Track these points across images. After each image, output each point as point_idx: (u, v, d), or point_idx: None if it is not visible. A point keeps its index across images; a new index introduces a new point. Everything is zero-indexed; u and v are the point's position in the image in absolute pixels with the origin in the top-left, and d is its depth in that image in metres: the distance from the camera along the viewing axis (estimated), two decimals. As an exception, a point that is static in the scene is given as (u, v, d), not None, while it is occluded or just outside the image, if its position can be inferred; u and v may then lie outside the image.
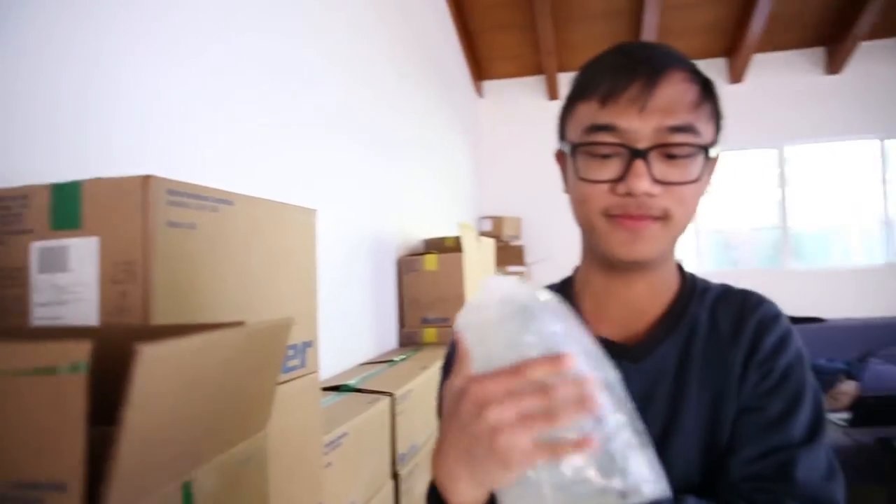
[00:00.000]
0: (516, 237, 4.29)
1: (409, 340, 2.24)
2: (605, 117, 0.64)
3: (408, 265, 2.27)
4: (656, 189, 0.63)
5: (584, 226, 0.69)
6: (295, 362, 0.92)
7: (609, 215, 0.66)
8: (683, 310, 0.72)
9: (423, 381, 1.63)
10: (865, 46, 4.12)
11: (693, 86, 0.65)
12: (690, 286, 0.74)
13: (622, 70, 0.64)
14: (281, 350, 0.68)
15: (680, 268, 0.77)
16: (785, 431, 0.65)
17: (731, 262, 4.66)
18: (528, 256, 4.16)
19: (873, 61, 4.16)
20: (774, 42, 4.22)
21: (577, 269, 0.79)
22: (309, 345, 0.98)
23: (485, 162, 4.49)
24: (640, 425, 0.52)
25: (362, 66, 2.01)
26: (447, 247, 2.55)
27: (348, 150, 1.87)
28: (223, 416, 0.56)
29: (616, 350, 0.70)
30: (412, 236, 2.54)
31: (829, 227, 4.42)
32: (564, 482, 0.45)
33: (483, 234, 3.44)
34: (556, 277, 0.81)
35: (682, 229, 0.67)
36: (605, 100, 0.64)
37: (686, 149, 0.63)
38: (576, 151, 0.66)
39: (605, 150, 0.64)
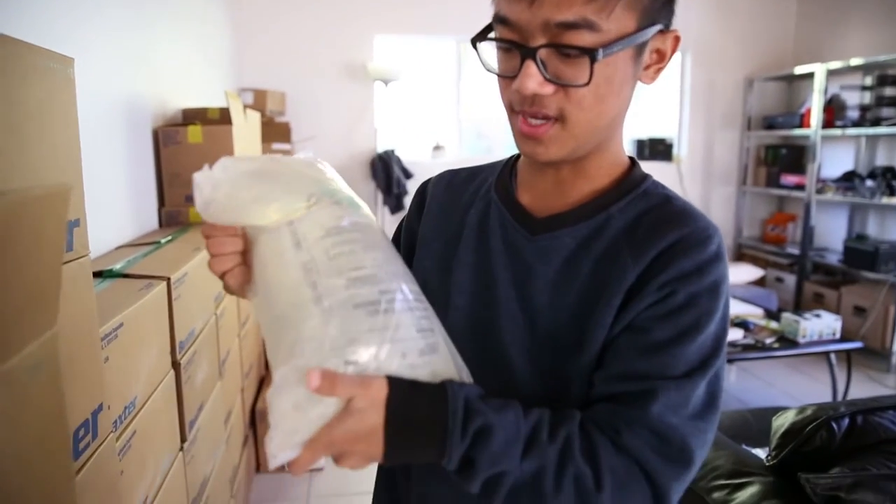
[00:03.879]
0: (281, 113, 4.04)
1: (172, 220, 2.02)
2: (501, 6, 0.60)
3: (167, 137, 2.00)
4: (547, 89, 0.60)
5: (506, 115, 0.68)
6: (61, 245, 0.76)
7: (513, 110, 0.64)
8: (602, 205, 0.69)
9: (197, 262, 1.49)
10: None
11: None
12: (627, 187, 0.70)
13: None
14: (61, 225, 0.55)
15: (632, 166, 0.73)
16: (661, 360, 0.62)
17: (485, 149, 4.99)
18: (295, 134, 3.96)
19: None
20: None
21: None
22: (76, 224, 0.82)
23: (245, 29, 4.05)
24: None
25: None
26: (210, 118, 2.30)
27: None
28: (0, 315, 0.43)
29: (521, 219, 0.72)
30: (169, 105, 2.23)
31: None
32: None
33: (245, 107, 3.16)
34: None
35: (587, 131, 0.63)
36: None
37: (575, 50, 0.57)
38: (482, 41, 0.63)
39: (504, 45, 0.61)
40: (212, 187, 0.63)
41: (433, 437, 0.56)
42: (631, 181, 0.71)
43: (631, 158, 0.74)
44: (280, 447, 0.54)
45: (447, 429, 0.56)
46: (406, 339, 0.58)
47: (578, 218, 0.69)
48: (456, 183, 0.83)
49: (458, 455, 0.57)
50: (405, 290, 0.61)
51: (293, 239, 0.60)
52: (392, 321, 0.58)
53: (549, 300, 0.68)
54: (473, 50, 0.65)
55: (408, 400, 0.56)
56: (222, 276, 0.67)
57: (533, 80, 0.59)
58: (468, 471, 0.58)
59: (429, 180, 0.86)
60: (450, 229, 0.78)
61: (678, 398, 0.61)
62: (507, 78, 0.63)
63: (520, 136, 0.65)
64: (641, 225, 0.67)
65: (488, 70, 0.66)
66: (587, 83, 0.58)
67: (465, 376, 0.63)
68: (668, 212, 0.67)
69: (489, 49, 0.65)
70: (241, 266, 0.66)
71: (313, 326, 0.57)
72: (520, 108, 0.63)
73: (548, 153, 0.64)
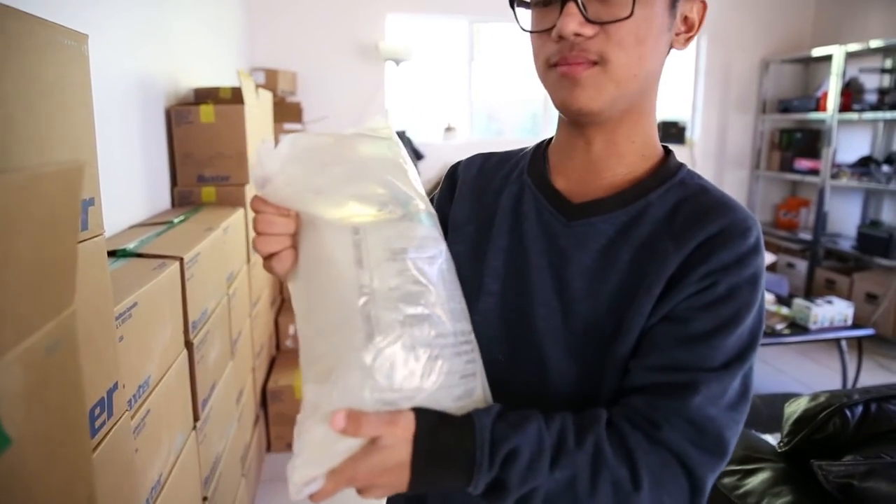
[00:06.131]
0: (292, 93, 4.02)
1: (184, 200, 2.02)
2: None
3: (180, 116, 1.99)
4: (588, 29, 0.60)
5: (540, 80, 0.67)
6: (76, 223, 0.75)
7: (551, 65, 0.64)
8: (641, 192, 0.68)
9: (210, 243, 1.49)
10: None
11: None
12: (664, 175, 0.70)
13: None
14: (75, 203, 0.55)
15: (667, 155, 0.73)
16: (702, 351, 0.61)
17: (496, 132, 4.96)
18: (307, 114, 3.95)
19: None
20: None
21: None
22: (90, 203, 0.82)
23: (257, 8, 4.02)
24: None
25: None
26: (222, 98, 2.29)
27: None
28: (17, 293, 0.43)
29: (556, 203, 0.71)
30: (181, 84, 2.22)
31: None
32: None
33: (256, 86, 3.14)
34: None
35: (627, 77, 0.62)
36: None
37: None
38: (515, 4, 0.65)
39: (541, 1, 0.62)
40: (273, 165, 0.58)
41: (461, 470, 0.57)
42: (667, 169, 0.70)
43: (665, 147, 0.74)
44: (304, 478, 0.53)
45: (475, 461, 0.56)
46: (446, 387, 0.58)
47: (616, 204, 0.68)
48: (488, 167, 0.81)
49: (484, 482, 0.57)
50: (457, 332, 0.60)
51: (355, 253, 0.56)
52: (437, 367, 0.57)
53: (585, 288, 0.67)
54: (510, 10, 0.66)
55: (435, 435, 0.56)
56: (267, 258, 0.62)
57: (574, 19, 0.59)
58: (500, 493, 0.57)
59: (459, 163, 0.84)
60: (482, 213, 0.76)
61: (717, 390, 0.61)
62: (544, 32, 0.63)
63: (558, 82, 0.64)
64: (679, 214, 0.66)
65: (524, 30, 0.66)
66: (629, 15, 0.59)
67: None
68: (705, 202, 0.67)
69: (524, 13, 0.66)
70: (289, 250, 0.60)
71: (358, 362, 0.54)
72: (558, 59, 0.63)
73: (585, 95, 0.63)
